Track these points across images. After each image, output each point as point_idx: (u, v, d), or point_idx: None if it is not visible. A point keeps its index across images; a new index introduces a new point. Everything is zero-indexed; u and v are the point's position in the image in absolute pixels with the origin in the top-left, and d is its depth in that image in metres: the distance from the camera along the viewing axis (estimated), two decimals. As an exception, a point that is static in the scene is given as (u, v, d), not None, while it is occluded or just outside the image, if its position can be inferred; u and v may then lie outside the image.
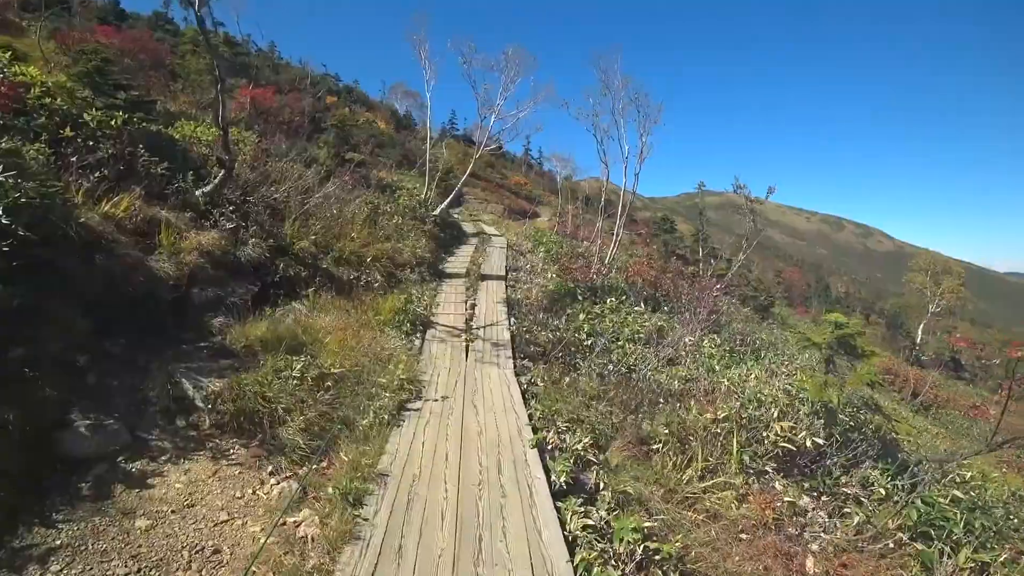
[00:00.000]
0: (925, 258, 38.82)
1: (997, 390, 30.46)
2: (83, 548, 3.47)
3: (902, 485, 5.72)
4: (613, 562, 3.90)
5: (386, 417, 5.92)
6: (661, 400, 7.50)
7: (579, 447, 5.58)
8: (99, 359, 5.04)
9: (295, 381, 5.72)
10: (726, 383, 7.68)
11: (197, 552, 3.70)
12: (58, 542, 3.46)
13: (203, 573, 3.55)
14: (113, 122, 7.38)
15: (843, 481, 5.98)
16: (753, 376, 8.05)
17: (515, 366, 8.39)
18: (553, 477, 5.05)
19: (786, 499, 5.48)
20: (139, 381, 5.12)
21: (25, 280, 4.46)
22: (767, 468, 5.92)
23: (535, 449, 5.58)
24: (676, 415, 6.73)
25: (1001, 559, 4.69)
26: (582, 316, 10.82)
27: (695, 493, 5.51)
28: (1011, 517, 5.71)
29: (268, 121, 21.14)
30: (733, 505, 5.36)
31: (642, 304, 13.08)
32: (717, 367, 9.17)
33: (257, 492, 4.52)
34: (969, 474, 6.39)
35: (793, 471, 6.15)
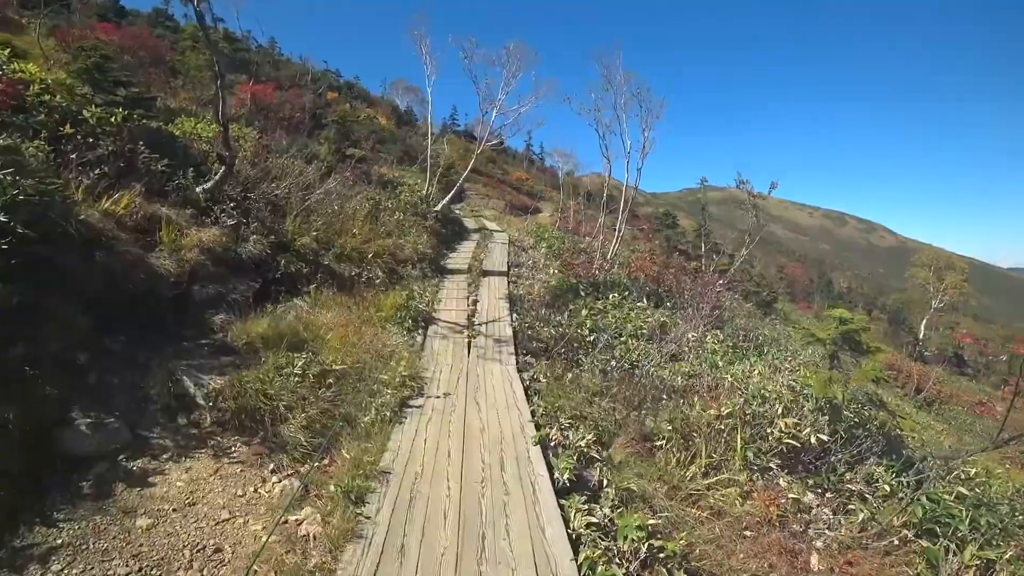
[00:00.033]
0: (928, 254, 38.77)
1: (1000, 386, 30.42)
2: (84, 547, 3.45)
3: (907, 482, 5.69)
4: (617, 560, 3.88)
5: (388, 414, 5.89)
6: (664, 396, 7.47)
7: (582, 444, 5.55)
8: (99, 357, 5.01)
9: (296, 378, 5.70)
10: (729, 379, 7.65)
11: (198, 551, 3.68)
12: (59, 541, 3.44)
13: (204, 572, 3.53)
14: (113, 119, 7.35)
15: (848, 478, 5.94)
16: (756, 372, 8.02)
17: (517, 362, 8.35)
18: (556, 474, 5.02)
19: (790, 496, 5.45)
20: (140, 379, 5.10)
21: (24, 278, 4.42)
22: (771, 465, 5.88)
23: (538, 446, 5.56)
24: (679, 411, 6.70)
25: (1007, 556, 4.66)
26: (584, 312, 10.79)
27: (699, 490, 5.48)
28: (1016, 514, 5.66)
29: (269, 117, 21.04)
30: (737, 502, 5.34)
31: (645, 300, 13.04)
32: (720, 363, 9.13)
33: (259, 490, 4.50)
34: (974, 470, 6.36)
35: (797, 468, 6.12)
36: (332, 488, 4.39)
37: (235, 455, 4.80)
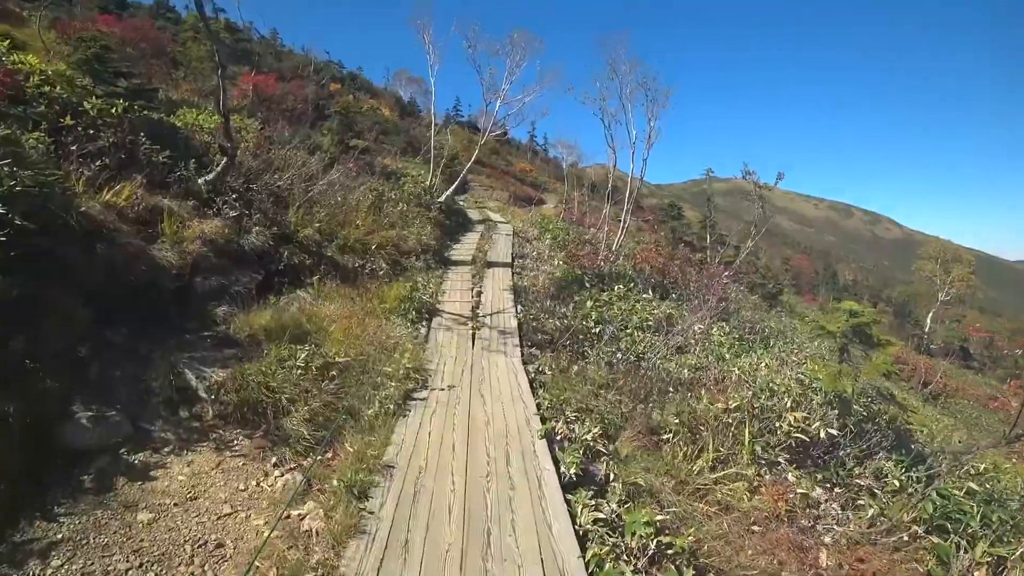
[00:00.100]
0: (935, 246, 38.43)
1: (1007, 379, 30.21)
2: (84, 542, 3.41)
3: (917, 477, 5.61)
4: (625, 557, 3.81)
5: (392, 407, 5.84)
6: (671, 389, 7.40)
7: (588, 437, 5.49)
8: (100, 349, 4.96)
9: (299, 371, 5.64)
10: (736, 372, 7.56)
11: (200, 546, 3.64)
12: (59, 536, 3.41)
13: (206, 567, 3.49)
14: (114, 110, 7.26)
15: (857, 472, 5.86)
16: (764, 365, 7.93)
17: (522, 354, 8.30)
18: (562, 468, 4.95)
19: (799, 491, 5.38)
20: (141, 371, 5.05)
21: (24, 270, 4.37)
22: (779, 459, 5.81)
23: (544, 439, 5.50)
24: (686, 404, 6.63)
25: (1018, 553, 4.57)
26: (590, 303, 10.69)
27: (706, 484, 5.41)
28: (1028, 509, 5.58)
29: (271, 108, 20.93)
30: (745, 496, 5.27)
31: (650, 291, 12.93)
32: (727, 355, 9.04)
33: (261, 484, 4.46)
34: (983, 465, 6.27)
35: (806, 462, 6.04)
36: (335, 482, 4.35)
37: (237, 448, 4.76)
